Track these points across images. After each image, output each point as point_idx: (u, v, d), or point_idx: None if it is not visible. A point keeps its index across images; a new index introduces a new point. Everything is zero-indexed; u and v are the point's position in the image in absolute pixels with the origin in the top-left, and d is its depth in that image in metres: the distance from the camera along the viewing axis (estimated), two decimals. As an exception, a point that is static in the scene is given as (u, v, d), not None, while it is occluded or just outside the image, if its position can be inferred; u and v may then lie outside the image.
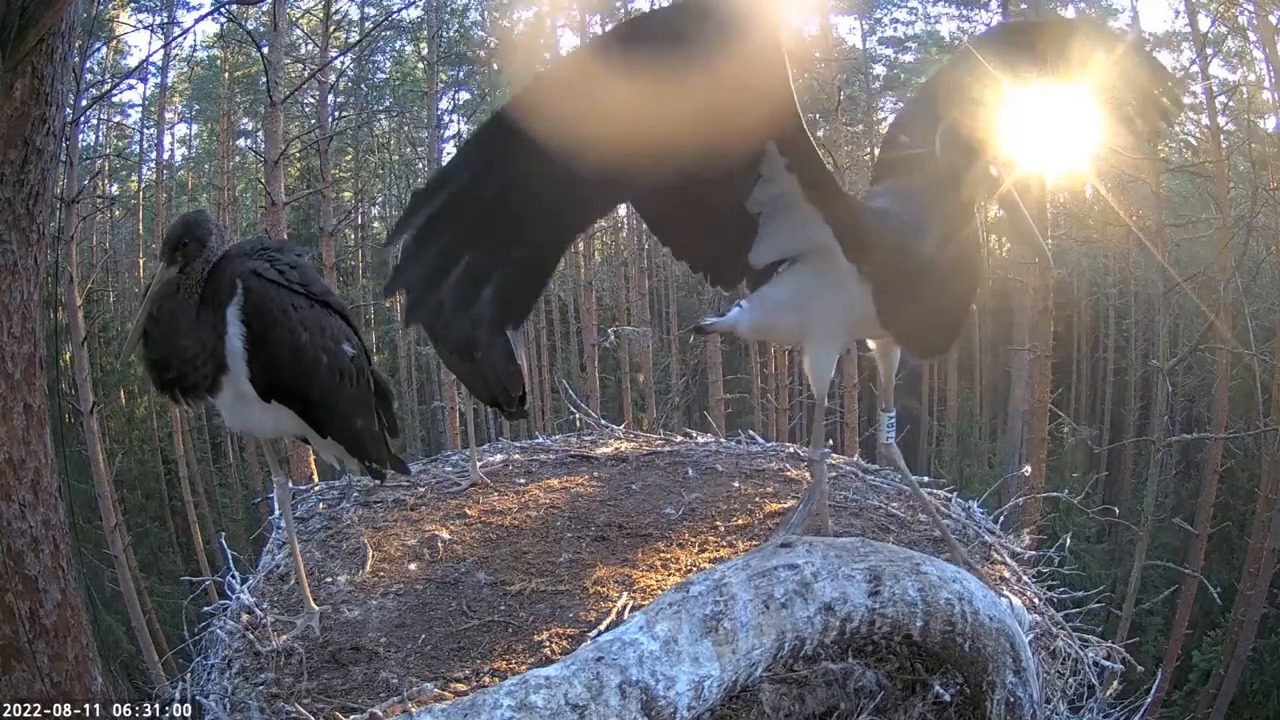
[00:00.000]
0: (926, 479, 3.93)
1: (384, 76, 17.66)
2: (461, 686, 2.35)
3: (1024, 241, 2.52)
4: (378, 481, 3.03)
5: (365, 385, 2.64)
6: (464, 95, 19.03)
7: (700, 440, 4.65)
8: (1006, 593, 2.79)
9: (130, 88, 15.88)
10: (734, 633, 1.93)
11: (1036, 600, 2.96)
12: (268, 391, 2.40)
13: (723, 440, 4.65)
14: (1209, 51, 11.95)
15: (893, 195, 2.54)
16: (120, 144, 17.13)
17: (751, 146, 2.15)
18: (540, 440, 4.69)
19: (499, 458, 4.31)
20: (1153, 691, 3.42)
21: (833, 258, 2.38)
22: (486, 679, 2.37)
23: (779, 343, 3.00)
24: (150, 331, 2.34)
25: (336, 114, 15.41)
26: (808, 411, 17.10)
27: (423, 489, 3.85)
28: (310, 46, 14.44)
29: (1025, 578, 3.09)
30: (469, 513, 3.56)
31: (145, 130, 17.07)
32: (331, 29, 14.36)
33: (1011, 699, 2.24)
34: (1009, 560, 3.18)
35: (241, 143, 18.16)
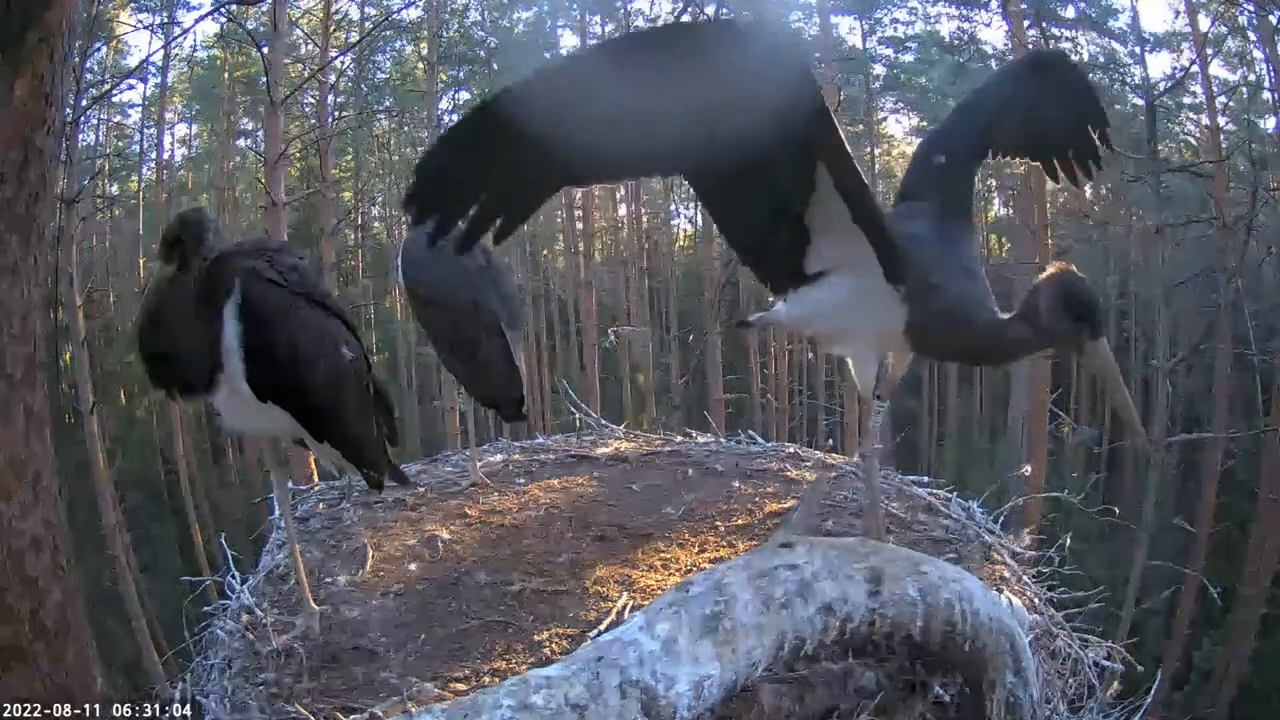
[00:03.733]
0: (927, 479, 3.93)
1: (384, 76, 17.64)
2: (461, 686, 2.34)
3: (1120, 410, 2.59)
4: (376, 489, 3.02)
5: (364, 390, 2.62)
6: (464, 95, 19.01)
7: (700, 440, 4.65)
8: (1006, 593, 2.79)
9: (130, 88, 15.85)
10: (734, 633, 1.93)
11: (1036, 600, 2.96)
12: (264, 392, 2.39)
13: (723, 440, 4.65)
14: (1209, 51, 11.95)
15: (930, 226, 2.66)
16: (120, 144, 17.11)
17: (802, 162, 2.29)
18: (540, 440, 4.69)
19: (499, 458, 4.31)
20: (1153, 691, 3.42)
21: (874, 277, 2.49)
22: (486, 679, 2.37)
23: (814, 340, 3.14)
24: (147, 328, 2.34)
25: (336, 114, 15.38)
26: (808, 411, 17.11)
27: (423, 489, 3.84)
28: (310, 46, 14.43)
29: (1025, 578, 3.09)
30: (469, 513, 3.56)
31: (145, 130, 17.07)
32: (331, 29, 14.34)
33: (1011, 699, 2.24)
34: (1009, 560, 3.18)
35: (241, 143, 18.15)
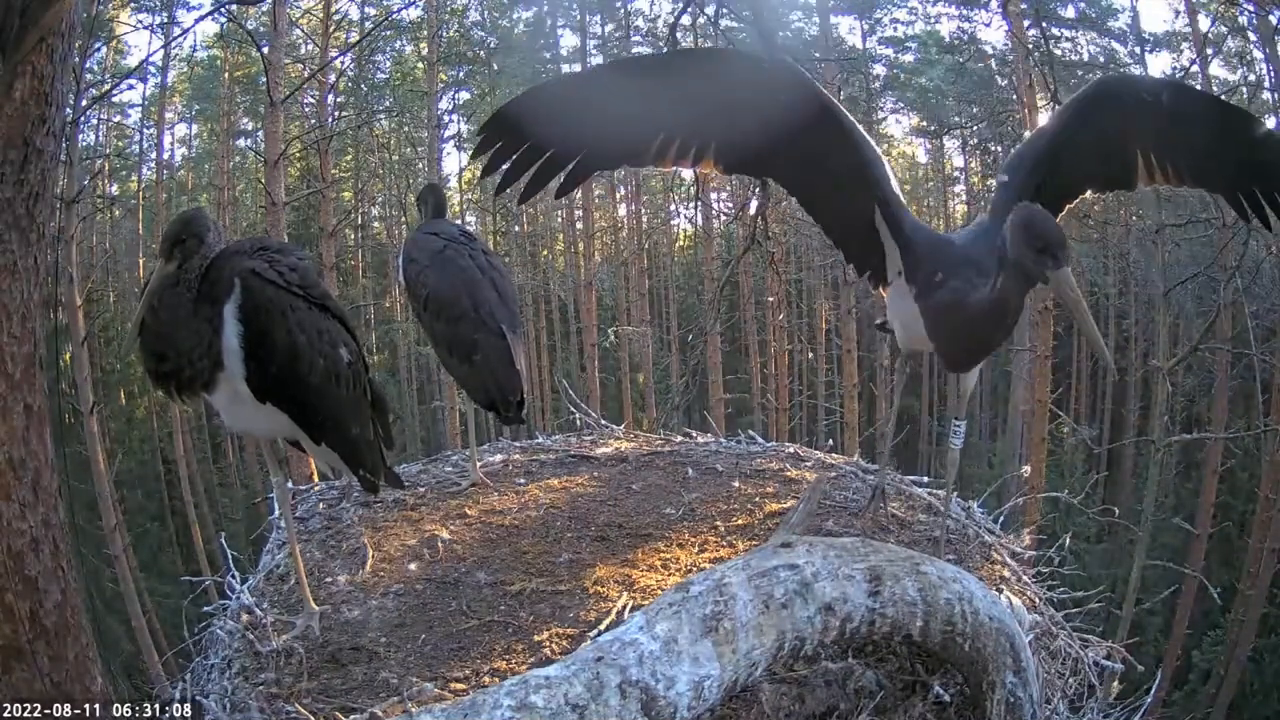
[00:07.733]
0: (926, 479, 3.93)
1: (384, 76, 17.63)
2: (461, 686, 2.34)
3: (1089, 341, 2.75)
4: (371, 493, 3.01)
5: (362, 393, 2.61)
6: (464, 95, 19.03)
7: (700, 440, 4.65)
8: (1006, 593, 2.80)
9: (130, 88, 15.87)
10: (734, 633, 1.93)
11: (1036, 600, 2.96)
12: (262, 392, 2.38)
13: (723, 440, 4.64)
14: (1209, 51, 11.94)
15: (975, 232, 2.96)
16: (120, 144, 17.12)
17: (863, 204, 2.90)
18: (540, 440, 4.68)
19: (499, 458, 4.30)
20: (1153, 691, 3.42)
21: (903, 278, 2.91)
22: (486, 679, 2.37)
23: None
24: (148, 324, 2.33)
25: (336, 114, 15.38)
26: (808, 411, 17.07)
27: (423, 489, 3.84)
28: (310, 46, 14.42)
29: (1025, 578, 3.09)
30: (469, 513, 3.55)
31: (145, 130, 17.09)
32: (331, 29, 14.34)
33: (1011, 699, 2.24)
34: (1009, 560, 3.18)
35: (241, 143, 18.16)
